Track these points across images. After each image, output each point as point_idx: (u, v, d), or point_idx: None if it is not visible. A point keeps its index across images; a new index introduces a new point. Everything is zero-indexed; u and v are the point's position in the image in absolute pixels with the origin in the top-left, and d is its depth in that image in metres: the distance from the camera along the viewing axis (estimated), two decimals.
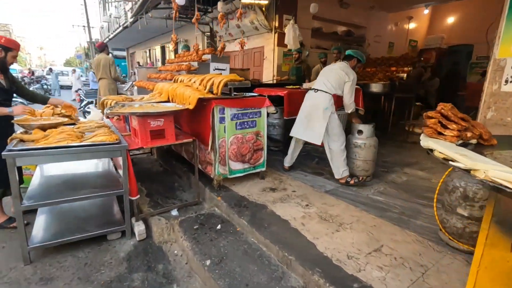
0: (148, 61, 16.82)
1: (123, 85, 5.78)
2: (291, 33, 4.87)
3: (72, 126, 2.84)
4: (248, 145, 3.03)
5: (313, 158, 4.10)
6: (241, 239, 2.33)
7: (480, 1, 8.65)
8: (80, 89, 11.52)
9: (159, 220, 2.71)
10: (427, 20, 10.03)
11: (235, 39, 7.70)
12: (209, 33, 8.48)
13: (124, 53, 22.93)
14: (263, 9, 6.11)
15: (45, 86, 17.09)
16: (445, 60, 9.63)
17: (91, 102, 8.60)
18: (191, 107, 2.66)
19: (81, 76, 23.96)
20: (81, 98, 8.75)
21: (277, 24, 6.26)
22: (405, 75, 6.13)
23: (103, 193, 2.45)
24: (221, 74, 3.18)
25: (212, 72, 4.22)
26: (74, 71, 17.13)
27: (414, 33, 9.76)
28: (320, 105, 3.07)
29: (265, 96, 3.17)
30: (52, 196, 2.34)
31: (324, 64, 6.46)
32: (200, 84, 2.94)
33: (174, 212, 2.84)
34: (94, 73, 12.43)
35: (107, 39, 16.07)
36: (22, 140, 2.30)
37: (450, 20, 9.59)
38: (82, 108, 8.46)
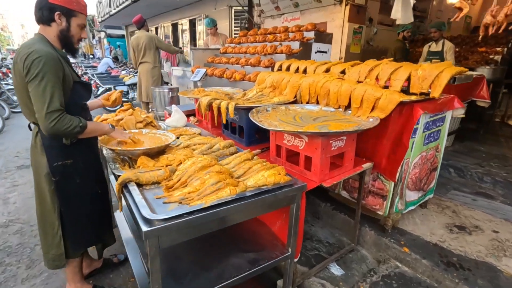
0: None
1: (175, 71, 4.63)
2: (400, 2, 3.78)
3: (175, 142, 1.84)
4: (427, 165, 2.09)
5: (446, 169, 3.19)
6: None
7: None
8: (86, 73, 10.19)
9: None
10: None
11: (283, 14, 6.53)
12: (246, 7, 7.22)
13: (120, 32, 21.01)
14: None
15: None
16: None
17: (109, 89, 7.43)
18: (382, 115, 1.68)
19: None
20: (97, 84, 7.52)
21: None
22: (500, 57, 5.18)
23: (266, 264, 1.49)
24: (343, 61, 2.15)
25: (314, 55, 3.19)
26: None
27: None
28: None
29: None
30: (192, 275, 1.38)
31: (406, 41, 5.40)
32: (367, 77, 1.93)
33: (336, 270, 1.92)
34: (111, 57, 10.94)
35: (107, 15, 14.41)
36: (139, 184, 1.31)
37: None
38: (98, 97, 7.28)
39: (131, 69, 9.28)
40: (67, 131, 1.31)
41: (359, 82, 1.95)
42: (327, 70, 2.28)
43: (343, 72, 2.16)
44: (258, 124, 1.60)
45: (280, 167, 1.49)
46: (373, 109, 1.74)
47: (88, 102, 1.66)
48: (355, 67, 2.05)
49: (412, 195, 2.07)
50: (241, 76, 3.03)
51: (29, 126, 1.54)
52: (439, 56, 4.50)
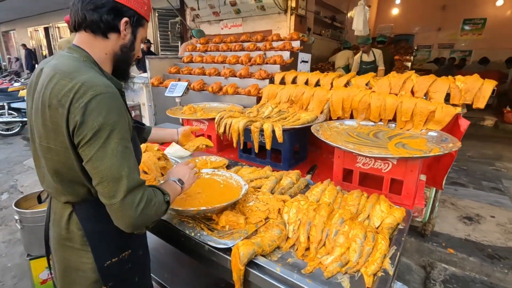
0: (42, 44, 12.50)
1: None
2: (361, 16, 4.08)
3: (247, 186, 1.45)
4: None
5: None
6: None
7: None
8: None
9: None
10: (375, 9, 10.74)
11: (222, 20, 6.27)
12: (177, 8, 6.62)
13: None
14: None
15: None
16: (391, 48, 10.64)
17: (2, 107, 5.75)
18: (439, 128, 1.71)
19: None
20: None
21: (293, 4, 5.29)
22: (409, 63, 6.28)
23: None
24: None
25: (300, 65, 3.12)
26: None
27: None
28: None
29: None
30: None
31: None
32: (401, 89, 1.96)
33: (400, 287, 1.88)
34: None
35: None
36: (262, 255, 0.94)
37: (395, 11, 10.53)
38: None
39: (26, 80, 7.31)
40: (158, 214, 0.82)
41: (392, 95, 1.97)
42: (347, 83, 2.22)
43: (366, 84, 2.14)
44: (365, 155, 1.38)
45: (382, 196, 1.33)
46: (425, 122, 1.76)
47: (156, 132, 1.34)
48: (383, 80, 2.06)
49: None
50: (233, 89, 2.69)
51: (39, 198, 0.93)
52: (373, 65, 5.07)
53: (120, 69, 0.94)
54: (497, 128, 5.74)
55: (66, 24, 10.81)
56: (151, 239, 1.65)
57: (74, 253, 0.87)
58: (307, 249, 1.01)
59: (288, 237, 1.07)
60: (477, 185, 3.07)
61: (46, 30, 11.61)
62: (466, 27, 9.81)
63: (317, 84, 2.36)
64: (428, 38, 10.42)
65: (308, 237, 1.04)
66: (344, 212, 1.11)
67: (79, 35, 0.86)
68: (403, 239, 1.06)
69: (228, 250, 0.96)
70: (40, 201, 0.93)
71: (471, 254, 1.99)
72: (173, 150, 2.00)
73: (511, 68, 6.50)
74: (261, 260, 0.91)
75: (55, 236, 0.90)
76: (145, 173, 1.49)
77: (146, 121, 3.95)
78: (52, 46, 11.77)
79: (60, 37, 11.22)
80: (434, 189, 1.98)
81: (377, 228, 1.14)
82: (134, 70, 7.62)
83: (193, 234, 1.04)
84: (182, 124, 2.61)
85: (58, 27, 11.06)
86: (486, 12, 9.29)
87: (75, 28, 0.86)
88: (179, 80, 3.29)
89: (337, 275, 0.89)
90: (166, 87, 2.93)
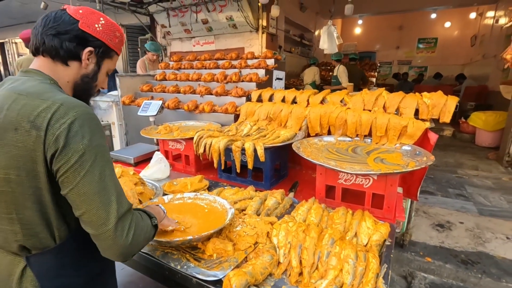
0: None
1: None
2: (326, 35, 4.27)
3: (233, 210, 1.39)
4: None
5: None
6: None
7: (377, 18, 10.52)
8: None
9: None
10: (340, 29, 11.39)
11: (194, 37, 6.28)
12: (147, 25, 6.51)
13: None
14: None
15: None
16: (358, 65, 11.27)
17: None
18: (411, 142, 1.80)
19: None
20: None
21: (265, 23, 5.43)
22: (374, 79, 6.66)
23: None
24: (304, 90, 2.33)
25: (275, 83, 3.18)
26: None
27: None
28: None
29: None
30: None
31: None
32: (374, 106, 2.05)
33: None
34: None
35: None
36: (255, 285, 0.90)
37: (358, 30, 11.25)
38: None
39: None
40: (147, 240, 0.77)
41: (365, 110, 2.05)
42: (323, 100, 2.29)
43: (341, 101, 2.22)
44: (354, 172, 1.40)
45: (366, 213, 1.35)
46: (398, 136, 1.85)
47: None
48: (356, 97, 2.14)
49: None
50: (210, 107, 2.66)
51: None
52: (336, 79, 5.39)
53: (81, 99, 0.83)
54: (455, 138, 6.20)
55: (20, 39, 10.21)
56: (128, 271, 1.53)
57: None
58: (300, 273, 0.99)
59: (279, 262, 1.04)
60: (444, 192, 3.26)
61: (2, 45, 10.86)
62: (421, 46, 10.72)
63: (294, 101, 2.40)
64: (388, 55, 11.20)
65: (300, 261, 1.01)
66: (333, 232, 1.10)
67: (38, 59, 0.82)
68: (391, 255, 1.07)
69: (218, 282, 0.90)
70: None
71: (446, 261, 2.08)
72: (149, 173, 1.91)
73: (462, 83, 7.15)
74: None
75: None
76: None
77: (117, 141, 3.75)
78: (9, 62, 10.99)
79: (18, 54, 10.53)
80: (410, 200, 2.06)
81: (365, 245, 1.15)
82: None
83: (179, 267, 0.96)
84: (157, 144, 2.52)
85: (16, 43, 10.38)
86: (437, 32, 10.24)
87: (33, 52, 0.82)
88: (152, 98, 3.20)
89: None
90: (139, 106, 2.82)
